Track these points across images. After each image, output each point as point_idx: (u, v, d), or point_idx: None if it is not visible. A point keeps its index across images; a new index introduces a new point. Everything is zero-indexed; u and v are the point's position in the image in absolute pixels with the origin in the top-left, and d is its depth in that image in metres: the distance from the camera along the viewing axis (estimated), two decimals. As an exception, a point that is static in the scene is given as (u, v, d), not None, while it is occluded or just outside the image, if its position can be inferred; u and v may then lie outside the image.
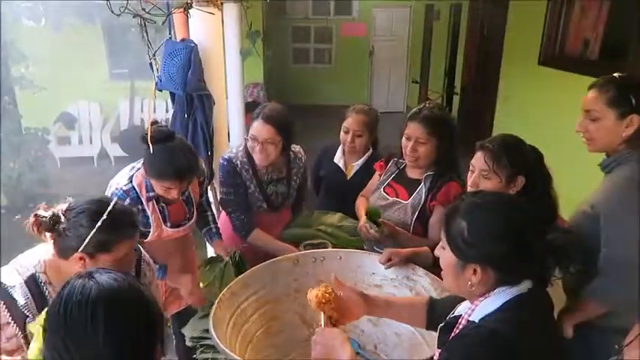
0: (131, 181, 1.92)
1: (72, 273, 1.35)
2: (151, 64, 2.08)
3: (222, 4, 2.61)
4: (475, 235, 1.09)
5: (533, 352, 1.05)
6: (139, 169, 1.95)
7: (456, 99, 7.19)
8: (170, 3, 2.11)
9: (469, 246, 1.10)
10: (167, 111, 6.70)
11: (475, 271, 1.10)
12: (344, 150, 2.52)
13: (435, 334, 1.27)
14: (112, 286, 0.93)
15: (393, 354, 1.83)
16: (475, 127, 6.07)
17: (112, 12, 1.45)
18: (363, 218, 2.06)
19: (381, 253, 1.88)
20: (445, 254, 1.17)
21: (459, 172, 2.07)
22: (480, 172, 1.68)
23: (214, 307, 1.60)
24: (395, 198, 2.10)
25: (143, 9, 1.63)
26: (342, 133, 2.47)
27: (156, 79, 2.25)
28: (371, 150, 2.52)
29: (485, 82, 6.09)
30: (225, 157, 2.22)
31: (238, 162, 2.18)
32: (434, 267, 1.58)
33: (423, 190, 2.03)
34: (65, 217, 1.38)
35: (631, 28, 3.51)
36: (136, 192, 1.91)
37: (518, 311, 1.08)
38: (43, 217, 1.36)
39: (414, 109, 2.05)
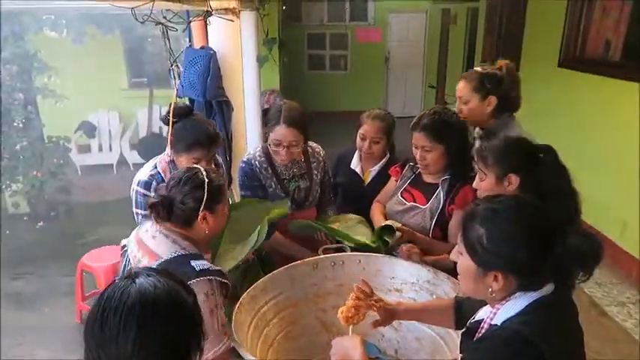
0: (156, 167, 2.03)
1: (202, 236, 1.54)
2: (171, 70, 2.13)
3: (239, 12, 2.65)
4: (495, 242, 1.07)
5: (556, 353, 1.03)
6: (162, 158, 2.05)
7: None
8: (190, 11, 2.15)
9: (489, 253, 1.07)
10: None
11: (496, 277, 1.08)
12: (361, 156, 2.49)
13: (458, 338, 1.26)
14: (150, 292, 0.90)
15: (414, 358, 1.81)
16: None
17: (137, 19, 1.49)
18: (377, 224, 2.06)
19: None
20: (463, 260, 1.14)
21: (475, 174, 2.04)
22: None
23: (235, 310, 1.61)
24: (412, 203, 2.08)
25: (164, 17, 1.67)
26: (358, 139, 2.42)
27: (177, 85, 2.29)
28: (388, 155, 2.48)
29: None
30: (244, 159, 2.24)
31: (257, 162, 2.20)
32: (455, 271, 1.57)
33: (441, 195, 2.00)
34: (171, 193, 1.52)
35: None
36: (161, 176, 2.00)
37: (542, 313, 1.06)
38: (157, 202, 1.50)
39: (415, 118, 2.01)
